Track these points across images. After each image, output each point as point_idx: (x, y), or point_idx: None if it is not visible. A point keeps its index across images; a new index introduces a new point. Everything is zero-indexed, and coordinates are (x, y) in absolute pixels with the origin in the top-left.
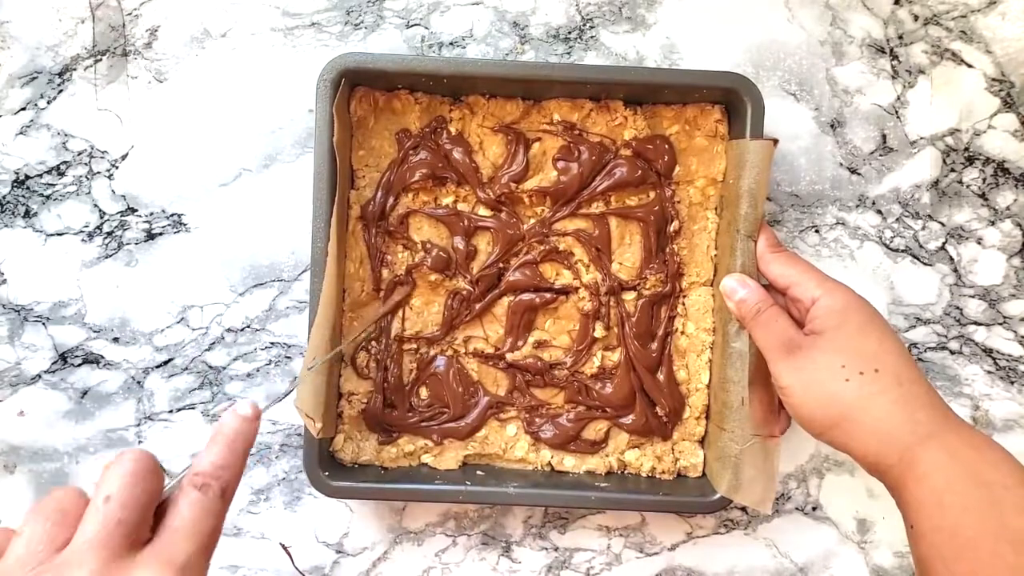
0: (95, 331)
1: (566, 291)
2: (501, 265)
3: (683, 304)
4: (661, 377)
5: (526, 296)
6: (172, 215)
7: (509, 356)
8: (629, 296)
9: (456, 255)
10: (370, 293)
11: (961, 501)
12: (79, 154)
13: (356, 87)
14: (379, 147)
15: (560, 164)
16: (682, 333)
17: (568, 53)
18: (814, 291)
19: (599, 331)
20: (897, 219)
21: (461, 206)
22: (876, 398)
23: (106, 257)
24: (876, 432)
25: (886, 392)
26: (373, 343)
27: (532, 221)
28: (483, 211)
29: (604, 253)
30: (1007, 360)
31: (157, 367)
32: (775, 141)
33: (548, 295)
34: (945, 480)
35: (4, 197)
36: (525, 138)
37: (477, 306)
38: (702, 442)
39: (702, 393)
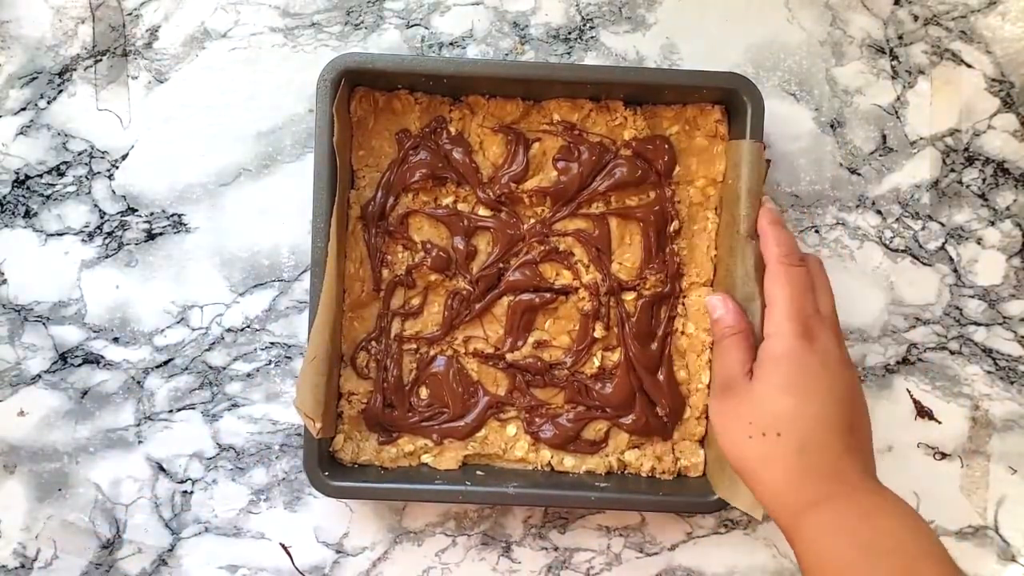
0: (95, 331)
1: (566, 291)
2: (501, 265)
3: (683, 304)
4: (661, 377)
5: (526, 296)
6: (172, 215)
7: (509, 356)
8: (629, 296)
9: (456, 255)
10: (370, 293)
11: (838, 566)
12: (79, 154)
13: (356, 87)
14: (379, 147)
15: (560, 164)
16: (682, 333)
17: (568, 53)
18: (768, 328)
19: (599, 331)
20: (897, 219)
21: (461, 206)
22: (772, 463)
23: (106, 257)
24: (769, 493)
25: (784, 458)
26: (373, 343)
27: (532, 221)
28: (483, 211)
29: (604, 253)
30: (1007, 360)
31: (157, 367)
32: (765, 147)
33: (548, 295)
34: (827, 545)
35: (4, 197)
36: (525, 138)
37: (477, 306)
38: (703, 442)
39: (702, 393)
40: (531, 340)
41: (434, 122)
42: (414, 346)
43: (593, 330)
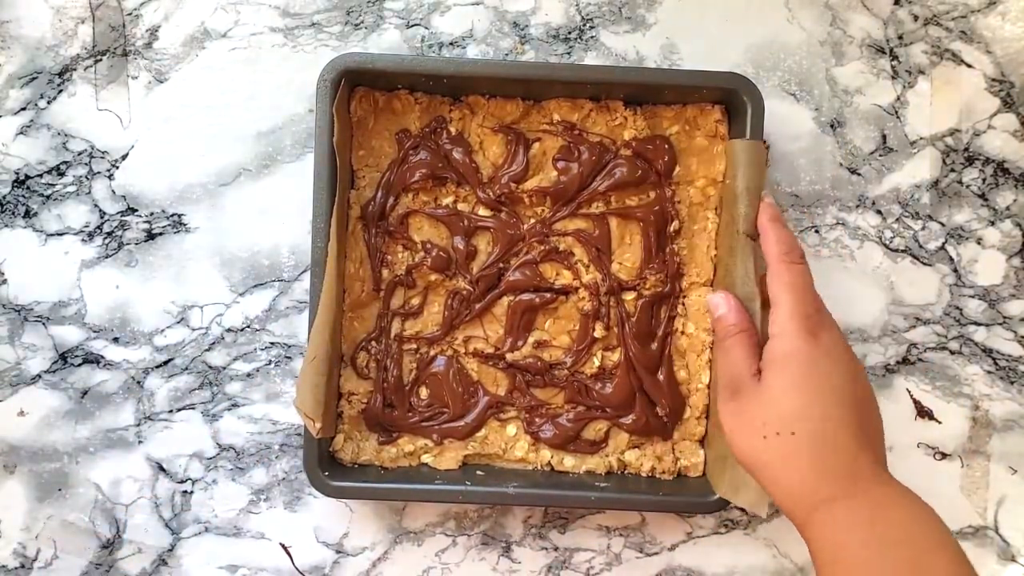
0: (95, 331)
1: (566, 291)
2: (501, 265)
3: (683, 304)
4: (661, 377)
5: (526, 296)
6: (172, 215)
7: (509, 356)
8: (629, 296)
9: (456, 255)
10: (370, 293)
11: (851, 560)
12: (79, 154)
13: (356, 87)
14: (379, 147)
15: (560, 164)
16: (682, 333)
17: (568, 53)
18: (772, 328)
19: (599, 331)
20: (897, 219)
21: (461, 206)
22: (787, 462)
23: (106, 257)
24: (784, 492)
25: (798, 458)
26: (373, 343)
27: (532, 221)
28: (483, 211)
29: (604, 253)
30: (1007, 360)
31: (157, 367)
32: (766, 144)
33: (548, 295)
34: (840, 540)
35: (4, 197)
36: (525, 138)
37: (477, 306)
38: (703, 442)
39: (702, 393)
40: (531, 340)
41: (434, 122)
42: (414, 346)
43: (593, 330)
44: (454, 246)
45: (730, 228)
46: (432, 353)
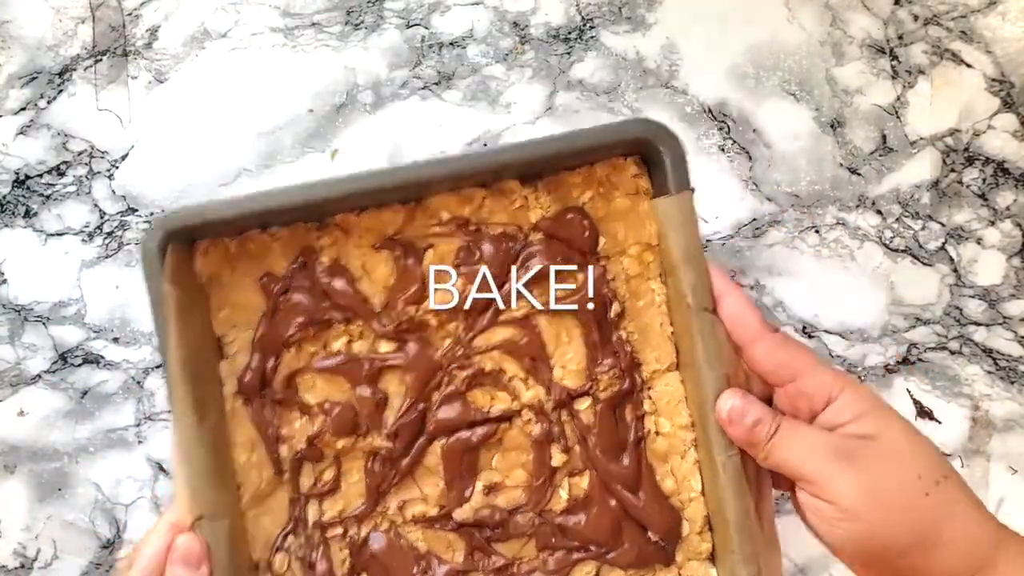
0: (95, 331)
1: (507, 417)
2: (421, 406)
3: (650, 399)
4: (643, 496)
5: (461, 435)
6: None
7: (457, 513)
8: (583, 405)
9: (363, 408)
10: (272, 480)
11: None
12: (79, 154)
13: (196, 241)
14: (244, 301)
15: (462, 269)
16: (657, 434)
17: (568, 53)
18: (832, 386)
19: (557, 457)
20: (897, 219)
21: (357, 347)
22: (954, 508)
23: (106, 257)
24: (959, 547)
25: (960, 500)
26: (290, 538)
27: (447, 344)
28: (384, 347)
29: (541, 361)
30: (1007, 360)
31: (157, 367)
32: (692, 190)
33: (486, 428)
34: None
35: (4, 197)
36: (414, 248)
37: (403, 462)
38: (712, 559)
39: (698, 502)
40: (479, 487)
41: (301, 255)
42: (340, 530)
43: (550, 457)
44: (358, 398)
45: (680, 304)
46: (364, 532)
